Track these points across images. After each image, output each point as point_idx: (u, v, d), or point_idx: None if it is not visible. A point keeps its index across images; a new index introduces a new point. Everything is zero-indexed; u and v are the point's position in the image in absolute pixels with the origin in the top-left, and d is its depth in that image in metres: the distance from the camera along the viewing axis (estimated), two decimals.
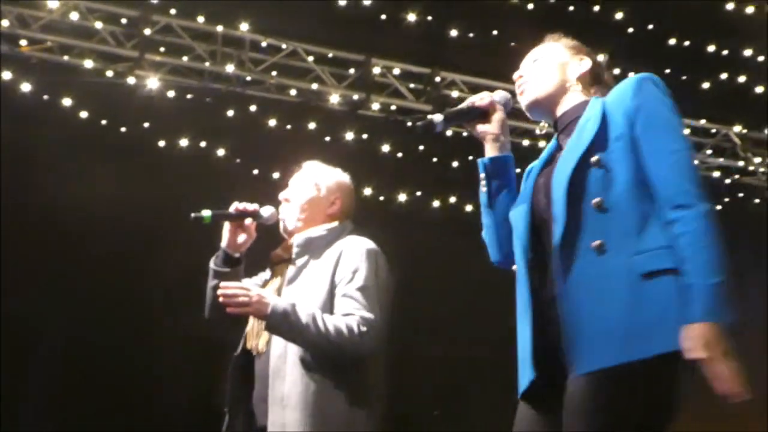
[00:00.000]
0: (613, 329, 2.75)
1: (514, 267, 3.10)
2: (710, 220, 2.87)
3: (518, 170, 3.26)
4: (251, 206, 4.29)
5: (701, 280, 2.74)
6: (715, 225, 2.87)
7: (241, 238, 4.29)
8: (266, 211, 4.36)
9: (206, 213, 4.16)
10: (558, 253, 2.86)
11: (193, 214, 4.15)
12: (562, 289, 2.84)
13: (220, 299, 3.88)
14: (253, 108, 10.74)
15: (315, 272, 4.07)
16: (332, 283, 4.00)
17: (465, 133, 3.32)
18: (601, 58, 3.35)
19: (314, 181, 4.50)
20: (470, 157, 6.53)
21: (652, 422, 2.76)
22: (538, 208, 3.03)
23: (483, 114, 3.27)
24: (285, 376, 3.89)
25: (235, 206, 4.27)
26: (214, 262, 4.35)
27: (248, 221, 4.29)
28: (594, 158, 2.91)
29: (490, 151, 3.23)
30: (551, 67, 3.25)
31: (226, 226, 4.28)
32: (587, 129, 2.99)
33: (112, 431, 10.87)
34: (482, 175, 3.24)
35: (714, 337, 2.71)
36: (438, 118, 3.22)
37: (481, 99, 3.28)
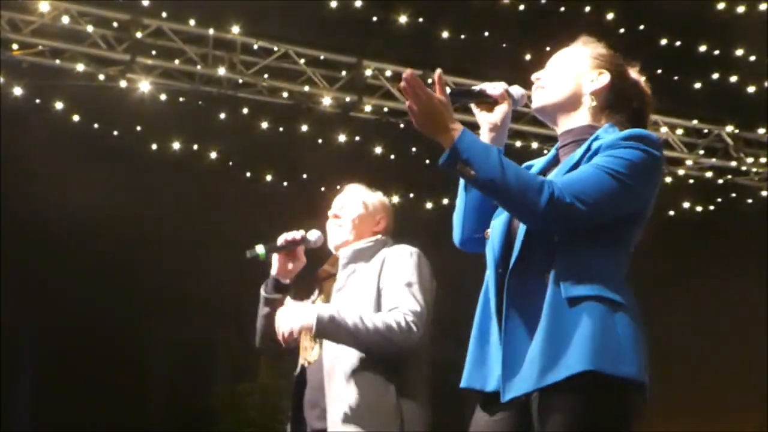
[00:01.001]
0: (553, 349, 2.81)
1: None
2: (547, 202, 2.80)
3: None
4: (298, 234, 4.44)
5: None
6: (540, 200, 2.80)
7: (291, 265, 4.45)
8: (313, 235, 4.51)
9: (260, 250, 4.28)
10: (509, 281, 2.93)
11: (248, 253, 4.27)
12: (508, 318, 2.91)
13: (279, 330, 4.00)
14: (245, 111, 10.73)
15: (361, 279, 4.24)
16: (378, 286, 4.17)
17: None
18: (634, 73, 3.27)
19: (362, 199, 4.74)
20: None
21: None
22: (514, 224, 3.05)
23: (491, 101, 3.23)
24: (341, 377, 4.07)
25: (284, 238, 4.40)
26: (265, 289, 4.46)
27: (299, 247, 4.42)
28: None
29: (483, 138, 3.19)
30: (567, 76, 3.19)
31: (275, 256, 4.41)
32: (570, 161, 3.01)
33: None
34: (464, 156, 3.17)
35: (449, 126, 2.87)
36: (447, 91, 3.15)
37: (494, 87, 3.24)
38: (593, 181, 2.86)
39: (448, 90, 3.13)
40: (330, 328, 3.97)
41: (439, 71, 3.00)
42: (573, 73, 3.20)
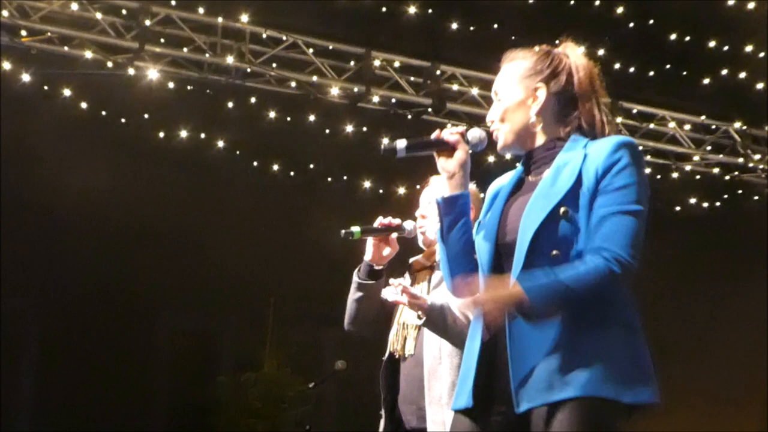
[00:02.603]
0: (564, 367, 2.87)
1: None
2: (606, 278, 2.89)
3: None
4: (395, 221, 4.41)
5: (557, 274, 2.88)
6: (607, 286, 2.90)
7: (386, 251, 4.44)
8: (408, 224, 4.49)
9: (356, 229, 4.28)
10: None
11: (343, 231, 4.26)
12: (513, 332, 2.96)
13: (395, 295, 4.06)
14: (253, 100, 10.74)
15: None
16: None
17: (466, 127, 3.31)
18: (567, 53, 3.30)
19: None
20: (470, 151, 6.52)
21: None
22: (502, 236, 3.10)
23: (448, 148, 3.29)
24: (441, 377, 4.13)
25: (380, 221, 4.39)
26: (358, 275, 4.46)
27: (393, 235, 4.45)
28: (563, 209, 2.98)
29: (446, 188, 3.28)
30: (511, 109, 3.23)
31: (370, 241, 4.41)
32: (564, 177, 3.04)
33: (107, 422, 10.87)
34: (437, 212, 3.31)
35: (511, 294, 2.89)
36: (401, 144, 3.28)
37: (451, 133, 3.30)
38: (627, 230, 2.93)
39: (404, 144, 3.26)
40: (439, 319, 4.05)
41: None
42: (514, 104, 3.23)
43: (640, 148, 3.12)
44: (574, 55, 3.29)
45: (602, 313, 2.93)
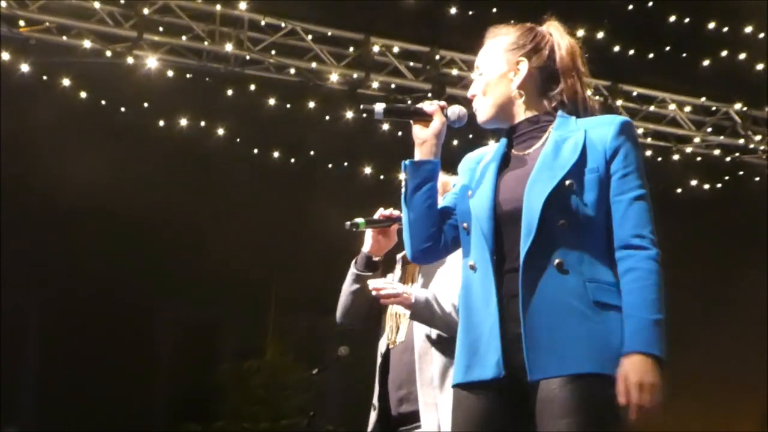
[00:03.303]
0: (576, 342, 2.92)
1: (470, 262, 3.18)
2: (659, 264, 2.99)
3: None
4: (396, 212, 4.35)
5: (645, 315, 2.91)
6: (662, 270, 2.99)
7: (384, 243, 4.42)
8: None
9: (360, 220, 4.26)
10: (524, 265, 2.98)
11: (348, 223, 4.25)
12: (525, 297, 2.97)
13: (373, 293, 4.07)
14: (252, 87, 10.72)
15: (446, 261, 4.22)
16: None
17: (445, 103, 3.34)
18: (550, 31, 3.32)
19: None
20: (470, 136, 6.52)
21: (616, 427, 2.93)
22: (500, 206, 3.11)
23: (425, 117, 3.33)
24: (433, 360, 4.14)
25: (381, 213, 4.36)
26: (356, 267, 4.44)
27: (394, 226, 4.42)
28: (568, 182, 3.03)
29: (416, 153, 3.32)
30: (492, 82, 3.27)
31: (369, 232, 4.39)
32: (566, 152, 3.09)
33: (110, 411, 10.90)
34: (402, 175, 3.34)
35: (648, 371, 2.86)
36: (379, 107, 3.33)
37: (430, 104, 3.34)
38: (647, 215, 3.04)
39: (383, 107, 3.32)
40: (425, 312, 4.06)
41: None
42: (496, 77, 3.27)
43: (641, 130, 3.18)
44: (557, 32, 3.31)
45: (613, 293, 2.97)
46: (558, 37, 3.29)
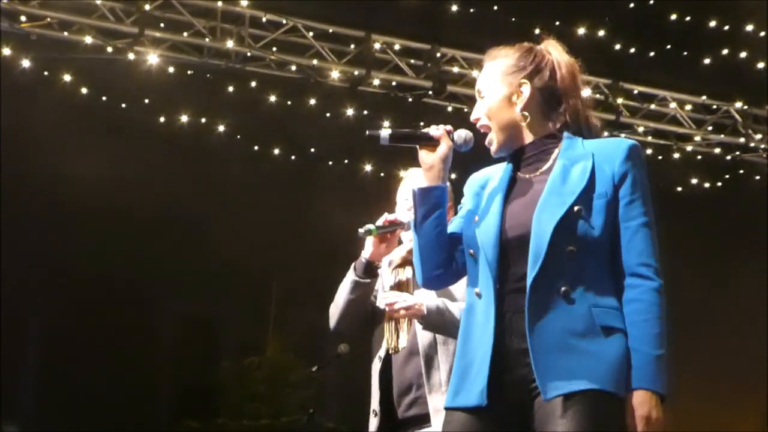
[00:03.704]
0: (581, 360, 2.94)
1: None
2: (663, 296, 3.04)
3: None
4: (400, 217, 4.35)
5: (648, 350, 2.97)
6: (665, 301, 3.04)
7: (384, 249, 4.38)
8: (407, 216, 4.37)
9: (371, 227, 4.23)
10: (530, 291, 2.99)
11: (361, 230, 4.22)
12: (531, 314, 2.98)
13: (386, 308, 4.08)
14: (253, 84, 10.73)
15: None
16: None
17: (466, 109, 3.37)
18: (549, 50, 3.30)
19: None
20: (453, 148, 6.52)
21: None
22: (506, 232, 3.12)
23: (431, 142, 3.32)
24: (440, 364, 4.15)
25: (386, 218, 4.32)
26: (356, 273, 4.37)
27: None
28: (577, 208, 3.03)
29: (423, 179, 3.32)
30: (496, 107, 3.26)
31: (370, 238, 4.32)
32: (574, 177, 3.09)
33: (111, 407, 10.90)
34: (411, 202, 3.34)
35: (653, 405, 2.95)
36: (385, 133, 3.32)
37: (436, 129, 3.34)
38: (652, 243, 3.06)
39: (389, 133, 3.30)
40: (437, 320, 4.06)
41: None
42: (498, 104, 3.26)
43: (641, 128, 3.19)
44: (555, 51, 3.30)
45: (617, 317, 3.00)
46: (557, 55, 3.29)
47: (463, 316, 3.20)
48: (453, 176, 3.56)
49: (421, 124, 3.42)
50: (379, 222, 4.29)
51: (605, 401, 2.90)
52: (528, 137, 3.24)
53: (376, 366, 4.38)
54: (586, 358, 2.93)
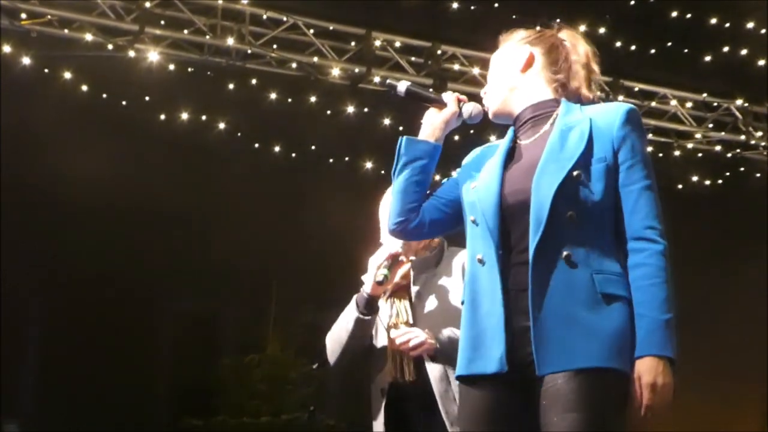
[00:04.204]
0: (584, 336, 2.92)
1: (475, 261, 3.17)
2: (668, 258, 3.04)
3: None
4: (397, 249, 4.27)
5: (656, 315, 2.95)
6: (671, 263, 3.04)
7: (386, 284, 4.29)
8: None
9: (386, 272, 4.16)
10: (534, 259, 2.98)
11: (378, 280, 4.15)
12: (535, 291, 2.97)
13: (400, 347, 4.07)
14: (253, 82, 10.72)
15: (440, 288, 4.26)
16: None
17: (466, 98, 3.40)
18: (563, 35, 3.36)
19: None
20: (471, 131, 6.51)
21: (620, 422, 2.96)
22: (506, 202, 3.12)
23: (440, 105, 3.43)
24: (454, 397, 4.04)
25: (389, 254, 4.24)
26: (359, 310, 4.28)
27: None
28: (576, 173, 3.03)
29: (421, 133, 3.40)
30: (497, 73, 3.34)
31: (372, 272, 4.24)
32: (572, 142, 3.08)
33: (110, 406, 10.90)
34: (398, 149, 3.40)
35: (660, 372, 2.92)
36: (402, 87, 3.48)
37: (450, 94, 3.45)
38: (656, 206, 3.06)
39: (405, 87, 3.45)
40: (450, 350, 3.93)
41: None
42: (500, 68, 3.34)
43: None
44: (568, 33, 3.38)
45: (620, 283, 2.99)
46: (570, 36, 3.35)
47: (467, 284, 3.19)
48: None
49: (431, 90, 3.49)
50: (385, 262, 4.21)
51: (607, 378, 2.88)
52: (526, 101, 3.26)
53: (376, 398, 4.31)
54: (586, 333, 2.90)
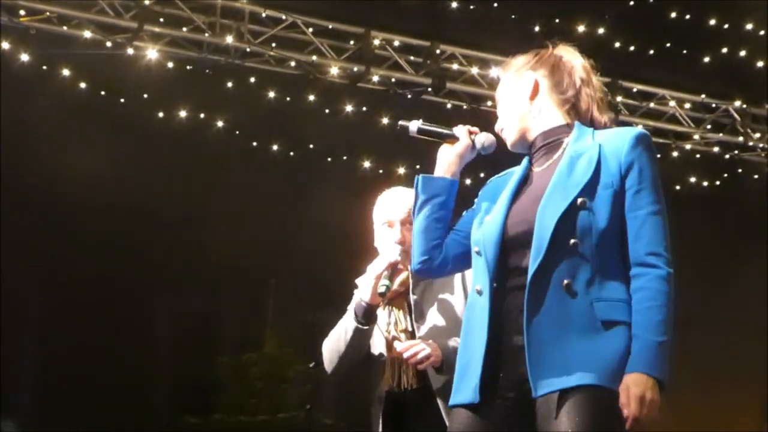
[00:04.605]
0: (578, 356, 2.92)
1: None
2: (670, 284, 3.03)
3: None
4: (395, 257, 4.19)
5: (651, 336, 2.94)
6: (673, 289, 3.03)
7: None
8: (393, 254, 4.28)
9: (387, 283, 4.09)
10: (531, 284, 2.98)
11: (381, 291, 4.07)
12: (530, 311, 2.97)
13: (407, 360, 4.01)
14: (252, 80, 10.71)
15: (439, 297, 4.20)
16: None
17: (465, 106, 3.43)
18: (560, 52, 3.35)
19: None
20: (475, 148, 6.53)
21: None
22: (511, 227, 3.13)
23: (453, 140, 3.44)
24: None
25: (388, 262, 4.16)
26: (357, 319, 4.23)
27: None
28: (581, 200, 3.02)
29: (437, 170, 3.41)
30: (506, 106, 3.33)
31: (371, 282, 4.16)
32: (580, 169, 3.07)
33: (108, 404, 10.90)
34: (415, 187, 3.42)
35: (649, 387, 2.90)
36: (414, 126, 3.47)
37: (462, 128, 3.45)
38: (662, 231, 3.06)
39: (417, 126, 3.44)
40: (455, 361, 3.94)
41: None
42: (509, 99, 3.32)
43: (640, 127, 3.22)
44: (565, 50, 3.36)
45: (623, 309, 2.98)
46: (566, 53, 3.34)
47: (465, 313, 3.23)
48: (468, 181, 3.60)
49: (450, 125, 3.51)
50: (386, 272, 4.13)
51: (600, 396, 2.88)
52: (539, 128, 3.25)
53: (375, 406, 4.28)
54: (581, 353, 2.90)
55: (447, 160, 3.39)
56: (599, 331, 2.93)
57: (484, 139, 3.44)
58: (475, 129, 3.46)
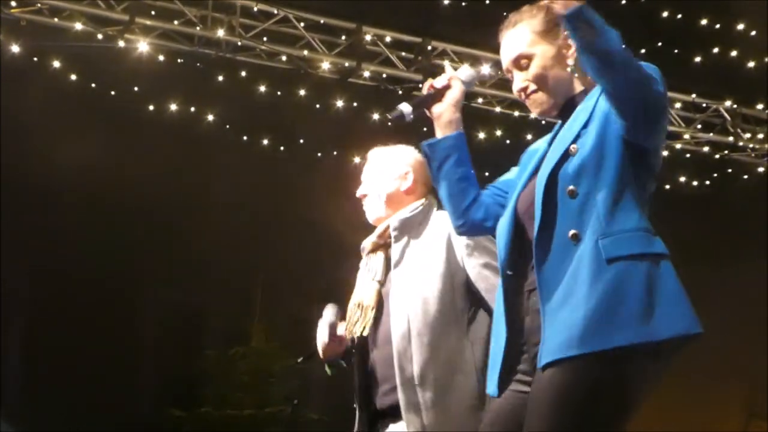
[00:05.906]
0: (574, 320, 2.75)
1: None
2: (656, 83, 3.10)
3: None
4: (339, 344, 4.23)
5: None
6: (654, 94, 3.08)
7: (336, 347, 4.25)
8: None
9: (328, 370, 4.17)
10: (537, 246, 2.88)
11: (328, 371, 4.20)
12: (541, 280, 2.86)
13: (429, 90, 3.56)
14: (243, 74, 10.70)
15: (421, 254, 4.11)
16: (449, 266, 4.04)
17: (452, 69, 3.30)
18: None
19: (382, 167, 4.38)
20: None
21: (608, 413, 2.78)
22: (521, 210, 3.05)
23: (441, 94, 3.29)
24: (413, 357, 3.95)
25: (341, 335, 4.19)
26: (331, 371, 4.28)
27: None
28: (573, 146, 2.93)
29: (438, 131, 3.27)
30: (550, 66, 3.14)
31: (323, 343, 4.20)
32: (577, 120, 3.01)
33: (95, 396, 10.89)
34: (425, 157, 3.31)
35: None
36: (406, 108, 3.26)
37: (439, 81, 3.30)
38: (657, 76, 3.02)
39: (409, 107, 3.24)
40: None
41: None
42: (550, 63, 3.14)
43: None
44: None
45: (629, 240, 2.84)
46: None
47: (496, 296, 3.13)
48: (486, 174, 3.52)
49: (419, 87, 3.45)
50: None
51: (590, 366, 2.73)
52: (578, 88, 3.15)
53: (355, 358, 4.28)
54: (585, 313, 2.73)
55: (446, 116, 3.24)
56: (604, 271, 2.76)
57: (470, 73, 3.34)
58: (451, 72, 3.32)
